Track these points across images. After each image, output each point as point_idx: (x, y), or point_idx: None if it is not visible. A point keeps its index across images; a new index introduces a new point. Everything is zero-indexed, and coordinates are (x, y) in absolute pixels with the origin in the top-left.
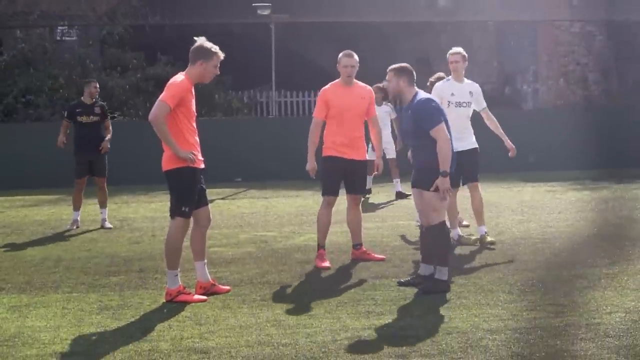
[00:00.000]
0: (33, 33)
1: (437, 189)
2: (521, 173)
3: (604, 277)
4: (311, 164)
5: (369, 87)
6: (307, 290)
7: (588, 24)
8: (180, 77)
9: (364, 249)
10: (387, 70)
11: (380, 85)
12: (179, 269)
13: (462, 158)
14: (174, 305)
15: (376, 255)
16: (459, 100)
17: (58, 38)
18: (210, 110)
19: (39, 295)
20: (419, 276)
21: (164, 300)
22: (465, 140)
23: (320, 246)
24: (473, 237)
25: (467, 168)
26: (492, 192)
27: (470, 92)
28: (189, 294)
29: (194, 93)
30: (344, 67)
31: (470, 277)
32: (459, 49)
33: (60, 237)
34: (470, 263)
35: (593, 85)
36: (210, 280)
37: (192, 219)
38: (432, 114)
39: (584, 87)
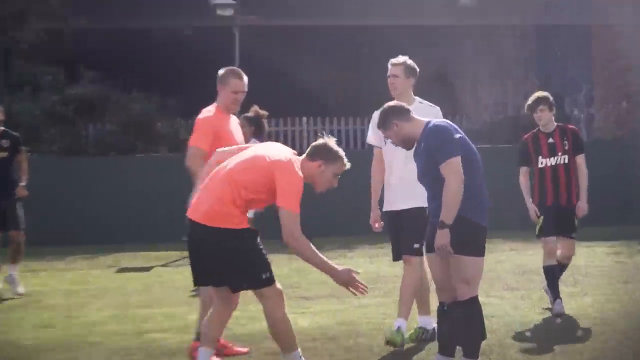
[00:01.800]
0: None
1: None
2: None
3: None
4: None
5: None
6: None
7: None
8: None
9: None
10: (377, 127)
11: (249, 114)
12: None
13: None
14: None
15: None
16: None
17: None
18: (149, 143)
19: None
20: None
21: None
22: (407, 195)
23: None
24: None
25: (405, 233)
26: (532, 255)
27: None
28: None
29: None
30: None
31: None
32: (402, 59)
33: None
34: (504, 352)
35: None
36: None
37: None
38: (445, 142)
39: None
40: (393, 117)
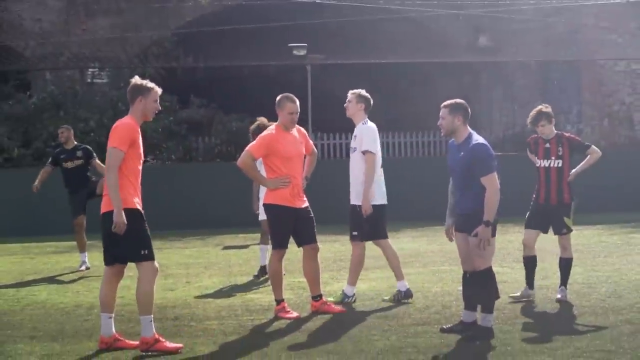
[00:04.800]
0: (63, 75)
1: (476, 235)
2: None
3: None
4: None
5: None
6: (347, 338)
7: (633, 62)
8: (125, 119)
9: (324, 299)
10: (441, 106)
11: (253, 126)
12: (152, 315)
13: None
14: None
15: (337, 308)
16: (351, 146)
17: (89, 80)
18: None
19: (71, 344)
20: (462, 323)
21: (142, 350)
22: (352, 192)
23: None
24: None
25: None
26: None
27: (355, 136)
28: (164, 341)
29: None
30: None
31: (514, 324)
32: (357, 90)
33: (92, 283)
34: (514, 309)
35: (638, 125)
36: (115, 334)
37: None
38: (486, 159)
39: (629, 127)
40: (460, 114)
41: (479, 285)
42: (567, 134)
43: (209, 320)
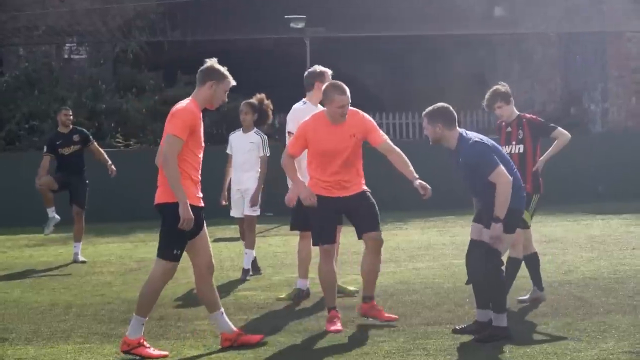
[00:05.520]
0: (38, 51)
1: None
2: (589, 204)
3: None
4: None
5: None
6: (350, 339)
7: None
8: (184, 102)
9: (375, 303)
10: (425, 115)
11: (253, 101)
12: (147, 318)
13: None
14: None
15: (386, 315)
16: None
17: (66, 56)
18: None
19: (47, 347)
20: (476, 323)
21: (123, 350)
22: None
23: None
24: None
25: None
26: (557, 226)
27: None
28: (149, 347)
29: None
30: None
31: (533, 323)
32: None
33: (69, 280)
34: (533, 307)
35: None
36: (235, 330)
37: (193, 266)
38: (484, 157)
39: None
40: (440, 121)
41: (487, 283)
42: (528, 115)
43: (198, 320)
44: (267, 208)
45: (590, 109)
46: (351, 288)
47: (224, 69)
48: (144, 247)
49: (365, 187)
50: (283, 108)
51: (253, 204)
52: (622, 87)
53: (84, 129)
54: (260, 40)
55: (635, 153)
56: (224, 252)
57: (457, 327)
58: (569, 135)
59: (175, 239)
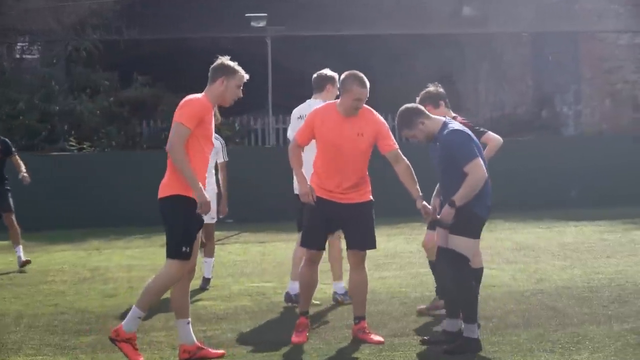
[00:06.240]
0: None
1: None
2: (562, 210)
3: None
4: None
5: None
6: (313, 351)
7: (637, 35)
8: (196, 95)
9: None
10: (399, 131)
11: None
12: (145, 313)
13: None
14: None
15: (375, 337)
16: None
17: (17, 56)
18: None
19: None
20: (445, 333)
21: (111, 337)
22: None
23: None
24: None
25: None
26: (529, 233)
27: None
28: (135, 348)
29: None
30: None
31: (505, 334)
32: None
33: (20, 289)
34: (504, 317)
35: None
36: (197, 342)
37: None
38: (462, 146)
39: (633, 109)
40: (419, 117)
41: (457, 291)
42: (459, 118)
43: (155, 332)
44: (227, 214)
45: (563, 111)
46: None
47: (235, 64)
48: (98, 255)
49: (370, 197)
50: (245, 109)
51: (224, 213)
52: (596, 89)
53: (5, 139)
54: (220, 39)
55: (610, 157)
56: None
57: (425, 338)
58: (501, 140)
59: (182, 235)
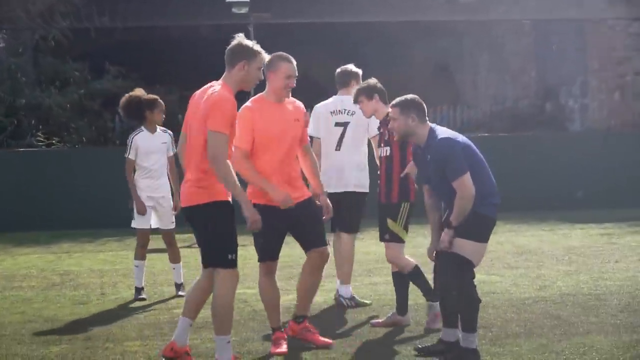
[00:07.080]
0: None
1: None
2: (567, 212)
3: None
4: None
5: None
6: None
7: None
8: (217, 88)
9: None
10: (390, 105)
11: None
12: (230, 334)
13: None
14: None
15: (322, 338)
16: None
17: None
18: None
19: None
20: (441, 342)
21: None
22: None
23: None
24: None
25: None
26: (531, 236)
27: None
28: None
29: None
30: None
31: (505, 344)
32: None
33: None
34: (505, 326)
35: None
36: (187, 348)
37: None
38: (452, 159)
39: None
40: (414, 112)
41: (458, 301)
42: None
43: (129, 341)
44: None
45: (568, 105)
46: (366, 301)
47: (254, 44)
48: (68, 258)
49: (310, 192)
50: None
51: (176, 210)
52: (604, 81)
53: None
54: (199, 27)
55: (619, 155)
56: (157, 265)
57: (420, 347)
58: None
59: (225, 242)
